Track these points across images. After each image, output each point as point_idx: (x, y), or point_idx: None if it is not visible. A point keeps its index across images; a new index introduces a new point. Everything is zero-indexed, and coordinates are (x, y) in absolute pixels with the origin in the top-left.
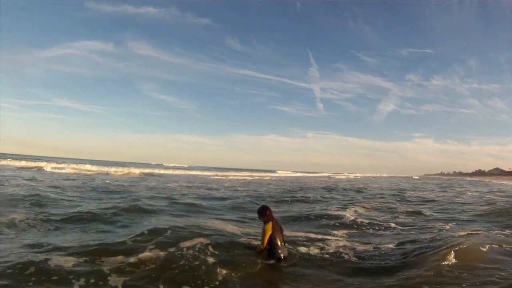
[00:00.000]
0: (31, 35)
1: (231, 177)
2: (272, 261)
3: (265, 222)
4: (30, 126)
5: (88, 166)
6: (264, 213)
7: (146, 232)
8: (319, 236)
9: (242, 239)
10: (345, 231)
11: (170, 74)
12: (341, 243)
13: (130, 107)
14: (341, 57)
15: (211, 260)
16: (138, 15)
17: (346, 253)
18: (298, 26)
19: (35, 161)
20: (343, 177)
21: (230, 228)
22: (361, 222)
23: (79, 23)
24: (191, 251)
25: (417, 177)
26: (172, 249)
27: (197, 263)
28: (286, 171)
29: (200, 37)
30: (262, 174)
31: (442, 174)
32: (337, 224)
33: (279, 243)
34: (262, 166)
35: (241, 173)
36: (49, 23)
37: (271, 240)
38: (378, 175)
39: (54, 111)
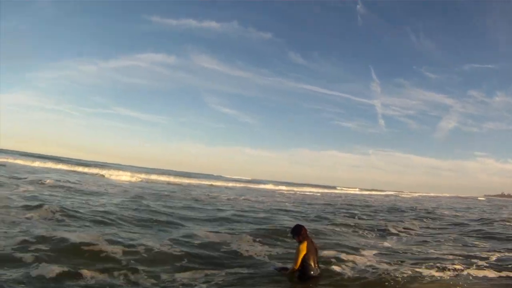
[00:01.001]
0: (98, 47)
1: (309, 192)
2: (302, 282)
3: (300, 242)
4: (93, 133)
5: (167, 177)
6: (299, 232)
7: None
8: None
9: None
10: None
11: (232, 87)
12: None
13: (192, 118)
14: (403, 72)
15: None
16: (201, 29)
17: None
18: (359, 41)
19: (114, 169)
20: (407, 196)
21: None
22: None
23: (144, 36)
24: None
25: (483, 198)
26: None
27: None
28: (347, 187)
29: (262, 51)
30: (325, 190)
31: (503, 195)
32: None
33: (312, 264)
34: (321, 181)
35: (305, 188)
36: (115, 35)
37: (304, 260)
38: (440, 194)
39: (116, 120)
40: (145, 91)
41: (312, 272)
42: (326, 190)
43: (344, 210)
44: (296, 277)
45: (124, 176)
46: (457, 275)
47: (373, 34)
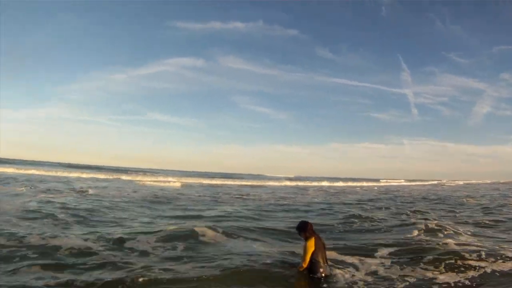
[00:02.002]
0: (126, 55)
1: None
2: (311, 280)
3: (307, 239)
4: (127, 140)
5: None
6: (305, 228)
7: None
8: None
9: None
10: None
11: (262, 86)
12: None
13: (224, 119)
14: (432, 59)
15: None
16: (226, 30)
17: None
18: (385, 31)
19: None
20: (453, 184)
21: None
22: None
23: (170, 41)
24: None
25: None
26: None
27: None
28: (391, 179)
29: (289, 48)
30: (371, 183)
31: None
32: None
33: (321, 261)
34: (359, 174)
35: (349, 183)
36: (142, 43)
37: (313, 257)
38: (481, 181)
39: (149, 125)
40: (175, 95)
41: (321, 269)
42: (372, 184)
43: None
44: (306, 275)
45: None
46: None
47: (398, 23)
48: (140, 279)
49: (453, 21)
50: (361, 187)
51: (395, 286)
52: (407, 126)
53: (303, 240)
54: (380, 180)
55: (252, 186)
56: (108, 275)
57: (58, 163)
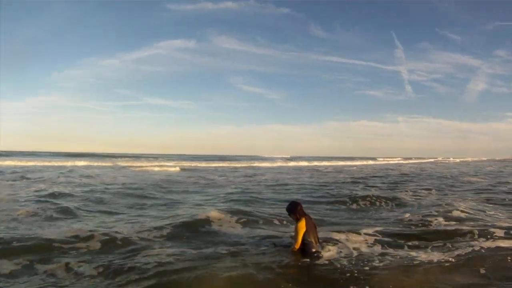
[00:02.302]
0: (117, 40)
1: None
2: (306, 261)
3: (297, 220)
4: (123, 126)
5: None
6: (295, 209)
7: None
8: None
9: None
10: None
11: (256, 66)
12: None
13: (219, 100)
14: (426, 36)
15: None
16: (218, 10)
17: None
18: (378, 8)
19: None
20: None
21: None
22: None
23: (161, 24)
24: None
25: None
26: None
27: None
28: (389, 158)
29: (282, 27)
30: (369, 162)
31: None
32: None
33: (313, 241)
34: (357, 153)
35: (349, 162)
36: (133, 27)
37: (305, 238)
38: (476, 158)
39: (143, 110)
40: (169, 78)
41: (313, 249)
42: (371, 162)
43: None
44: (300, 254)
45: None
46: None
47: (391, 0)
48: None
49: None
50: (359, 166)
51: (374, 263)
52: (402, 104)
53: (294, 221)
54: (377, 159)
55: (255, 168)
56: None
57: (56, 152)
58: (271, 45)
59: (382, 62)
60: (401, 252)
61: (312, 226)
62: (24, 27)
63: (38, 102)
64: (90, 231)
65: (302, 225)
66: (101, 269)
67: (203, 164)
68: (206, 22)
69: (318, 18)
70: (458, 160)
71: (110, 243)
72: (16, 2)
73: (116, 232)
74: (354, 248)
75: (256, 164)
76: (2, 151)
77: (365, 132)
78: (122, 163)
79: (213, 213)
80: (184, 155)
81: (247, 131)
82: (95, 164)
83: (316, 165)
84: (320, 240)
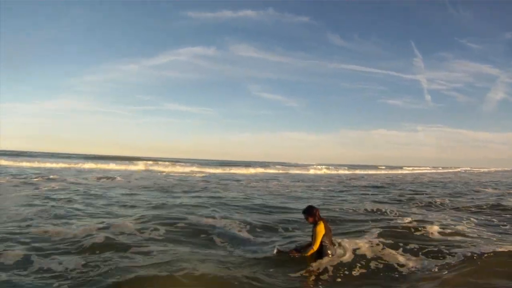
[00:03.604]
0: (137, 46)
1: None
2: (322, 262)
3: (316, 223)
4: (142, 130)
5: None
6: (312, 213)
7: None
8: None
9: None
10: None
11: (273, 73)
12: None
13: (236, 107)
14: (445, 45)
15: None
16: (237, 18)
17: None
18: (398, 18)
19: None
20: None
21: None
22: None
23: (181, 31)
24: None
25: None
26: None
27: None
28: (417, 167)
29: (300, 35)
30: (394, 171)
31: None
32: None
33: (328, 244)
34: (376, 162)
35: (371, 171)
36: (153, 33)
37: (322, 240)
38: (500, 168)
39: (163, 115)
40: (188, 84)
41: (329, 251)
42: (397, 172)
43: None
44: (314, 258)
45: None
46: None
47: (410, 9)
48: None
49: (465, 6)
50: (394, 175)
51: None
52: (421, 113)
53: (310, 224)
54: (404, 168)
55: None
56: None
57: (77, 154)
58: (289, 53)
59: (401, 71)
60: None
61: (328, 229)
62: (44, 30)
63: (57, 105)
64: None
65: (321, 228)
66: None
67: (252, 171)
68: (226, 30)
69: (337, 26)
70: (482, 170)
71: None
72: (36, 5)
73: None
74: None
75: (296, 171)
76: (24, 151)
77: (383, 141)
78: (156, 167)
79: None
80: (206, 160)
81: (265, 138)
82: (130, 168)
83: (354, 173)
84: (334, 243)
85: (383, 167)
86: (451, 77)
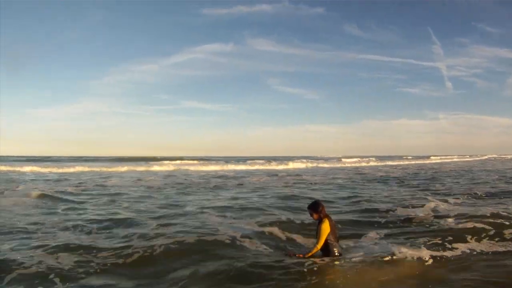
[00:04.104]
0: (155, 46)
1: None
2: (327, 259)
3: (321, 220)
4: (163, 129)
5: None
6: (317, 209)
7: None
8: None
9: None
10: None
11: (293, 67)
12: None
13: (257, 102)
14: (463, 30)
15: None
16: (252, 13)
17: None
18: (414, 4)
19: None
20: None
21: None
22: None
23: (198, 28)
24: None
25: None
26: None
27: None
28: (444, 156)
29: (316, 27)
30: (419, 161)
31: None
32: None
33: (334, 241)
34: (400, 151)
35: (396, 162)
36: (170, 32)
37: (328, 238)
38: None
39: (184, 113)
40: (207, 82)
41: (335, 249)
42: (425, 161)
43: None
44: (320, 256)
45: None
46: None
47: None
48: None
49: None
50: (429, 164)
51: None
52: (442, 100)
53: (315, 220)
54: (431, 157)
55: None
56: None
57: (103, 157)
58: (306, 45)
59: (420, 59)
60: None
61: (333, 226)
62: (62, 34)
63: (77, 108)
64: None
65: (327, 226)
66: None
67: (292, 165)
68: (242, 25)
69: (352, 16)
70: (509, 157)
71: None
72: (52, 9)
73: None
74: None
75: (329, 164)
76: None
77: (405, 130)
78: (187, 167)
79: None
80: (229, 157)
81: (286, 132)
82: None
83: (396, 164)
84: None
85: (410, 157)
86: (470, 62)
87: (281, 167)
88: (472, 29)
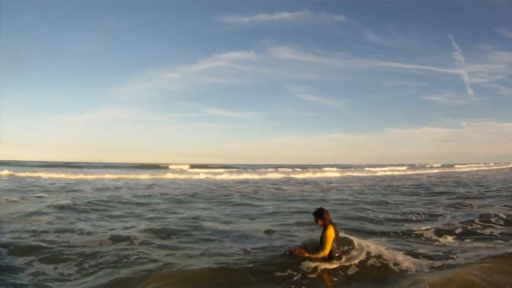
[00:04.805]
0: (177, 54)
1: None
2: (331, 265)
3: (326, 226)
4: (186, 137)
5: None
6: (322, 215)
7: None
8: None
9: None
10: None
11: (313, 74)
12: None
13: (279, 110)
14: (484, 36)
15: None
16: (273, 21)
17: None
18: (434, 10)
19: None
20: None
21: None
22: None
23: (219, 36)
24: None
25: None
26: None
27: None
28: (465, 164)
29: (337, 35)
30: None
31: None
32: None
33: (336, 247)
34: (421, 160)
35: (428, 171)
36: (192, 40)
37: (332, 244)
38: None
39: (206, 121)
40: (229, 89)
41: (337, 255)
42: (452, 170)
43: None
44: (322, 260)
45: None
46: None
47: (445, 1)
48: None
49: None
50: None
51: None
52: (464, 108)
53: (319, 226)
54: (455, 165)
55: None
56: None
57: (126, 163)
58: (327, 53)
59: (441, 66)
60: None
61: (337, 233)
62: (85, 39)
63: (100, 115)
64: None
65: (331, 233)
66: None
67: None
68: (263, 33)
69: (373, 23)
70: None
71: None
72: (75, 13)
73: None
74: None
75: (363, 173)
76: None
77: (428, 139)
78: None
79: None
80: (255, 165)
81: (308, 140)
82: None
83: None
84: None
85: (438, 165)
86: (492, 69)
87: (318, 175)
88: (493, 35)
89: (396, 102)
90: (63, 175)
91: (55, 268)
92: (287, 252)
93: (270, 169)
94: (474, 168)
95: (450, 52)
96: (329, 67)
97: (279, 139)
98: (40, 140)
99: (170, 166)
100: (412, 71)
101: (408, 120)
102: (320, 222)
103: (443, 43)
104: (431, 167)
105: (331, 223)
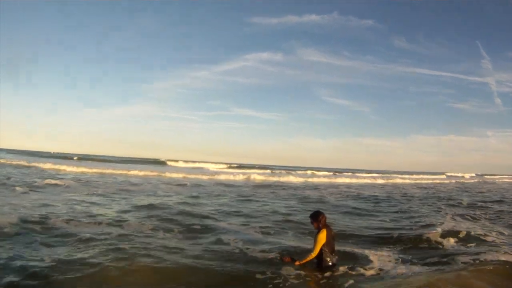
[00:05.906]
0: (206, 53)
1: None
2: (319, 271)
3: (319, 229)
4: (214, 135)
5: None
6: (317, 218)
7: None
8: None
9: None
10: None
11: (340, 78)
12: None
13: (305, 112)
14: None
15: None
16: (302, 23)
17: None
18: (463, 17)
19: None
20: None
21: None
22: None
23: (248, 37)
24: None
25: None
26: None
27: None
28: (495, 175)
29: (365, 39)
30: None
31: None
32: None
33: (328, 252)
34: (444, 168)
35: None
36: (221, 39)
37: (322, 248)
38: None
39: (235, 120)
40: (256, 90)
41: (328, 259)
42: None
43: None
44: (315, 267)
45: None
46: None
47: (474, 8)
48: None
49: None
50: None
51: None
52: (491, 117)
53: (315, 229)
54: (483, 175)
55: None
56: None
57: (153, 159)
58: (356, 56)
59: (469, 73)
60: None
61: (330, 238)
62: (117, 35)
63: (129, 111)
64: None
65: (323, 236)
66: None
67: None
68: (292, 35)
69: (401, 29)
70: None
71: None
72: (103, 16)
73: None
74: None
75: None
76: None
77: (453, 147)
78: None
79: None
80: (283, 166)
81: (334, 143)
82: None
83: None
84: (335, 252)
85: (472, 175)
86: None
87: (354, 180)
88: None
89: (422, 109)
90: (147, 172)
91: None
92: (278, 259)
93: (308, 172)
94: (506, 180)
95: (478, 60)
96: (357, 71)
97: (305, 141)
98: (72, 133)
99: (208, 166)
100: (439, 78)
101: (434, 127)
102: (315, 224)
103: (471, 50)
104: (464, 177)
105: (326, 226)
